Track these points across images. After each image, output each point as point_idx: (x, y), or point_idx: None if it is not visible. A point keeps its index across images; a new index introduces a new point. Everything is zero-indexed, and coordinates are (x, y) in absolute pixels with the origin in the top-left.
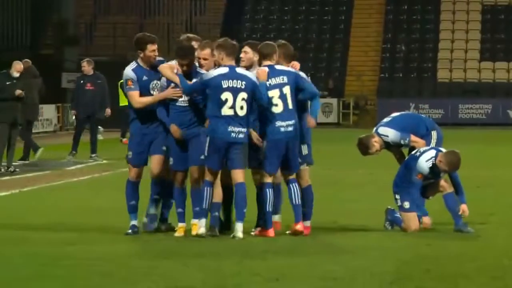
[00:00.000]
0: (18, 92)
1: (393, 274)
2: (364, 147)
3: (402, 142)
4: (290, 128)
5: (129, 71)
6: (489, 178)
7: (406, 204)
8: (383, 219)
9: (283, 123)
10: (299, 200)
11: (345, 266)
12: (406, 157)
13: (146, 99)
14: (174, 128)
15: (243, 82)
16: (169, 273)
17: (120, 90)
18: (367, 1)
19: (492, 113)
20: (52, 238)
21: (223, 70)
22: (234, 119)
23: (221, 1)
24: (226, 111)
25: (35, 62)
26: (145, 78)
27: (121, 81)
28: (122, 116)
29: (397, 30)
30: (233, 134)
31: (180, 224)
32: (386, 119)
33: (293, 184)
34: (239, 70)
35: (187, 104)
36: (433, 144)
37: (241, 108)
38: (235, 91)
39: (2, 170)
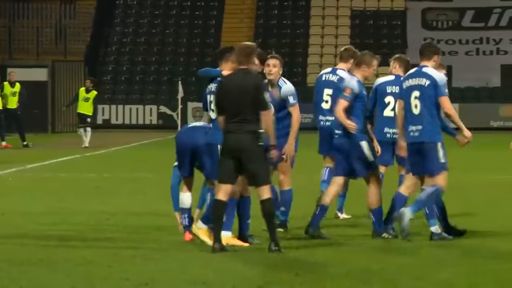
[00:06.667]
0: None
1: (262, 278)
2: None
3: None
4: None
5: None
6: None
7: None
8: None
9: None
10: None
11: (215, 269)
12: None
13: None
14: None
15: None
16: (37, 278)
17: None
18: (237, 6)
19: None
20: None
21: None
22: None
23: (91, 5)
24: None
25: None
26: None
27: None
28: None
29: (268, 35)
30: None
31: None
32: None
33: None
34: None
35: None
36: None
37: None
38: None
39: None
